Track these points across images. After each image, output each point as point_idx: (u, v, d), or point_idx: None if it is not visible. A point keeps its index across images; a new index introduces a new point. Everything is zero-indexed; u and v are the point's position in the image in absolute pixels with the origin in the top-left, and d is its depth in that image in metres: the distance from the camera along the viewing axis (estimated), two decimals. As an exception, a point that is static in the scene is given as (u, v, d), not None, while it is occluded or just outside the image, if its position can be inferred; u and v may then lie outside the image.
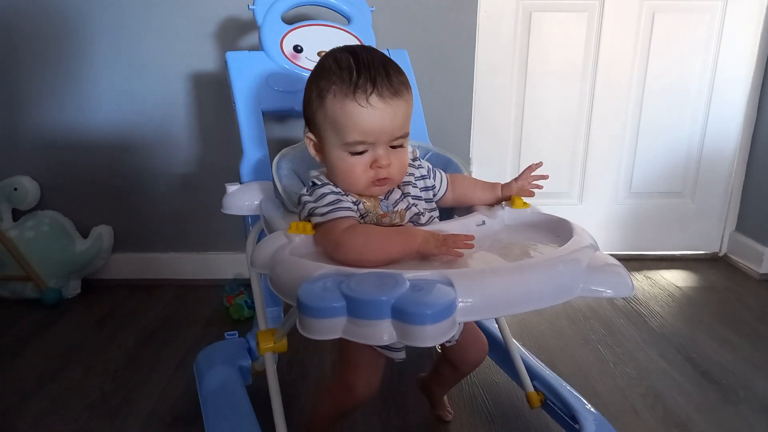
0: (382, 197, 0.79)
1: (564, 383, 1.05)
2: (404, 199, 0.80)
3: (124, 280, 1.75)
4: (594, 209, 1.89)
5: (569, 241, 0.69)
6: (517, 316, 1.48)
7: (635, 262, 1.90)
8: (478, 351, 0.94)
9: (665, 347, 1.36)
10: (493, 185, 0.88)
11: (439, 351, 0.98)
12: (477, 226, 0.79)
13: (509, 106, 1.78)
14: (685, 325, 1.48)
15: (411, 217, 0.79)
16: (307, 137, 0.80)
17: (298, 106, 0.82)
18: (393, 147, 0.76)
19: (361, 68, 0.72)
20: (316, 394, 1.17)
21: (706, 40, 1.75)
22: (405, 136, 0.76)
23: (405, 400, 1.15)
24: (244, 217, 1.09)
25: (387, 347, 0.82)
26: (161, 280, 1.74)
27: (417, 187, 0.83)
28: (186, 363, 1.28)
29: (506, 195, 0.86)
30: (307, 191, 0.78)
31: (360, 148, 0.74)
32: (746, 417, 1.11)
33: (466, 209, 0.88)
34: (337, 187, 0.77)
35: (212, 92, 1.62)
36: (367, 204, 0.77)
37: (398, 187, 0.81)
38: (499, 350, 1.14)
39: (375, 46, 1.23)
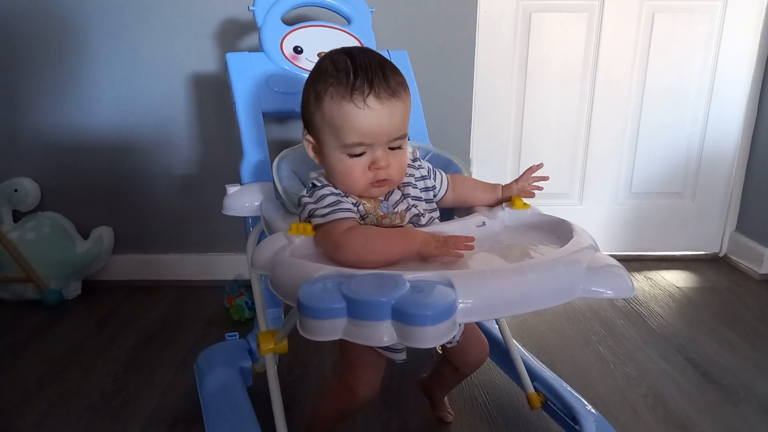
0: (382, 198, 0.79)
1: (564, 384, 1.06)
2: (404, 200, 0.80)
3: (125, 282, 1.75)
4: (594, 210, 1.89)
5: (569, 242, 0.69)
6: (517, 316, 1.48)
7: (635, 263, 1.90)
8: (479, 352, 0.94)
9: (666, 348, 1.36)
10: (494, 186, 0.88)
11: (440, 352, 0.98)
12: (477, 227, 0.79)
13: (509, 107, 1.78)
14: (685, 326, 1.48)
15: (411, 218, 0.79)
16: (306, 140, 0.80)
17: (299, 107, 0.82)
18: (392, 148, 0.76)
19: (358, 70, 0.72)
20: (316, 396, 1.17)
21: (706, 40, 1.75)
22: (403, 137, 0.76)
23: (405, 401, 1.15)
24: (244, 219, 1.09)
25: (388, 348, 0.82)
26: (162, 281, 1.74)
27: (417, 187, 0.83)
28: (187, 364, 1.28)
29: (507, 196, 0.86)
30: (307, 192, 0.78)
31: (358, 150, 0.74)
32: (747, 417, 1.10)
33: (466, 210, 0.88)
34: (337, 188, 0.77)
35: (212, 93, 1.62)
36: (367, 205, 0.77)
37: (398, 188, 0.81)
38: (500, 351, 1.14)
39: (375, 47, 1.24)
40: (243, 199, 1.00)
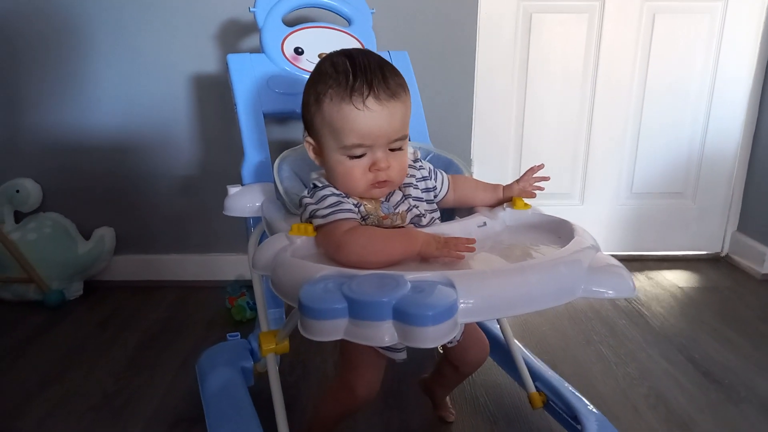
0: (383, 199, 0.79)
1: (566, 384, 1.06)
2: (405, 201, 0.80)
3: (126, 282, 1.75)
4: (595, 210, 1.89)
5: (570, 242, 0.69)
6: (518, 316, 1.48)
7: (637, 263, 1.90)
8: (480, 352, 0.94)
9: (667, 348, 1.36)
10: (495, 186, 0.88)
11: (441, 352, 0.98)
12: (478, 227, 0.79)
13: (510, 107, 1.78)
14: (686, 326, 1.48)
15: (412, 219, 0.79)
16: (306, 141, 0.80)
17: (299, 108, 0.82)
18: (392, 149, 0.76)
19: (357, 71, 0.72)
20: (317, 396, 1.17)
21: (707, 41, 1.75)
22: (403, 138, 0.76)
23: (407, 401, 1.15)
24: (245, 219, 1.09)
25: (388, 348, 0.82)
26: (163, 282, 1.75)
27: (418, 188, 0.83)
28: (188, 364, 1.28)
29: (508, 196, 0.86)
30: (308, 193, 0.78)
31: (358, 152, 0.74)
32: (748, 417, 1.10)
33: (467, 210, 0.88)
34: (337, 189, 0.77)
35: (213, 94, 1.62)
36: (368, 206, 0.78)
37: (399, 188, 0.81)
38: (501, 351, 1.14)
39: (376, 48, 1.25)
40: (244, 200, 1.00)
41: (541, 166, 0.85)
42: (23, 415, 1.12)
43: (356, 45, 1.25)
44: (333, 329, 0.55)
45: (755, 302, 1.62)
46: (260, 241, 0.84)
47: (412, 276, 0.58)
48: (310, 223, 0.75)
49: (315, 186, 0.78)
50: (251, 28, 1.56)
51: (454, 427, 1.08)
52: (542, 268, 0.63)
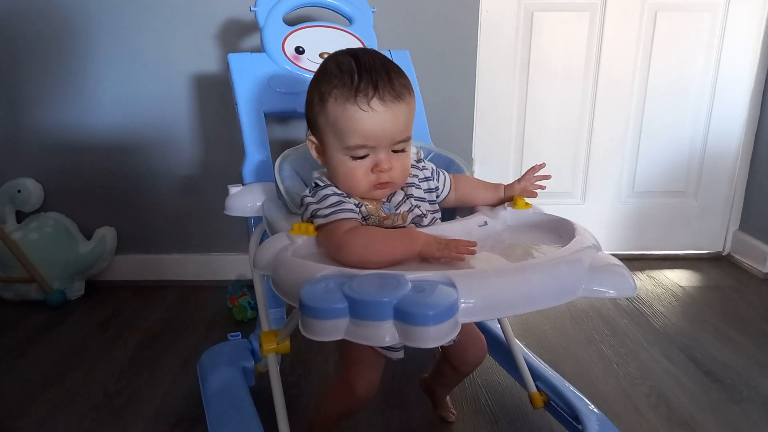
0: (384, 200, 0.79)
1: (567, 383, 1.05)
2: (407, 201, 0.80)
3: (128, 282, 1.75)
4: (597, 209, 1.89)
5: (571, 242, 0.69)
6: (519, 316, 1.48)
7: (638, 262, 1.89)
8: (478, 351, 0.93)
9: (668, 347, 1.36)
10: (496, 186, 0.88)
11: (440, 351, 0.98)
12: (479, 226, 0.79)
13: (511, 106, 1.78)
14: (688, 325, 1.47)
15: (413, 219, 0.79)
16: (309, 140, 0.80)
17: (300, 108, 0.82)
18: (395, 151, 0.76)
19: (362, 72, 0.72)
20: (318, 395, 1.17)
21: (709, 39, 1.75)
22: (407, 140, 0.76)
23: (408, 401, 1.15)
24: (246, 219, 1.09)
25: (386, 347, 0.82)
26: (164, 282, 1.75)
27: (420, 188, 0.83)
28: (189, 364, 1.29)
29: (509, 196, 0.86)
30: (309, 193, 0.78)
31: (361, 152, 0.74)
32: (750, 416, 1.10)
33: (468, 210, 0.88)
34: (339, 189, 0.77)
35: (214, 94, 1.62)
36: (369, 206, 0.77)
37: (401, 188, 0.81)
38: (502, 351, 1.14)
39: (376, 47, 1.24)
40: (245, 200, 1.00)
41: (542, 166, 0.85)
42: (24, 414, 1.13)
43: (357, 44, 1.25)
44: (334, 329, 0.55)
45: (757, 301, 1.61)
46: (261, 241, 0.83)
47: (412, 276, 0.57)
48: (311, 222, 0.75)
49: (316, 185, 0.78)
50: (252, 27, 1.56)
51: (455, 426, 1.08)
52: (543, 268, 0.62)
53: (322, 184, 0.78)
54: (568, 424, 1.01)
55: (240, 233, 1.62)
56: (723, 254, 1.95)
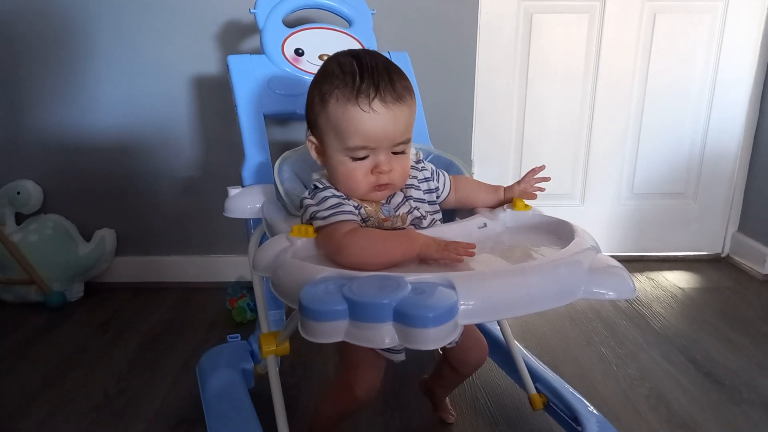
0: (383, 201, 0.79)
1: (566, 385, 1.05)
2: (406, 203, 0.80)
3: (127, 283, 1.75)
4: (596, 210, 1.89)
5: (571, 243, 0.69)
6: (519, 318, 1.48)
7: (638, 263, 1.89)
8: (479, 353, 0.93)
9: (668, 348, 1.36)
10: (496, 188, 0.88)
11: (440, 353, 0.98)
12: (479, 228, 0.79)
13: (511, 108, 1.78)
14: (687, 326, 1.47)
15: (413, 221, 0.79)
16: (309, 141, 0.80)
17: (300, 110, 0.82)
18: (395, 153, 0.76)
19: (364, 73, 0.72)
20: (318, 397, 1.17)
21: (708, 40, 1.75)
22: (407, 141, 0.76)
23: (407, 403, 1.15)
24: (246, 220, 1.09)
25: (387, 349, 0.82)
26: (164, 283, 1.75)
27: (420, 189, 0.83)
28: (189, 366, 1.29)
29: (509, 197, 0.86)
30: (309, 194, 0.78)
31: (361, 154, 0.74)
32: (750, 417, 1.10)
33: (468, 211, 0.88)
34: (338, 190, 0.77)
35: (214, 95, 1.63)
36: (368, 208, 0.78)
37: (401, 190, 0.81)
38: (502, 352, 1.14)
39: (376, 49, 1.24)
40: (245, 201, 1.00)
41: (542, 168, 0.85)
42: (24, 416, 1.13)
43: (357, 46, 1.25)
44: (333, 331, 0.55)
45: (756, 302, 1.61)
46: (261, 243, 0.84)
47: (412, 277, 0.57)
48: (311, 224, 0.75)
49: (316, 187, 0.78)
50: (252, 29, 1.56)
51: (455, 428, 1.08)
52: (543, 270, 0.62)
53: (321, 186, 0.78)
54: (567, 426, 1.01)
55: (239, 235, 1.62)
56: (722, 256, 1.95)
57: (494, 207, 0.87)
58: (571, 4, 1.70)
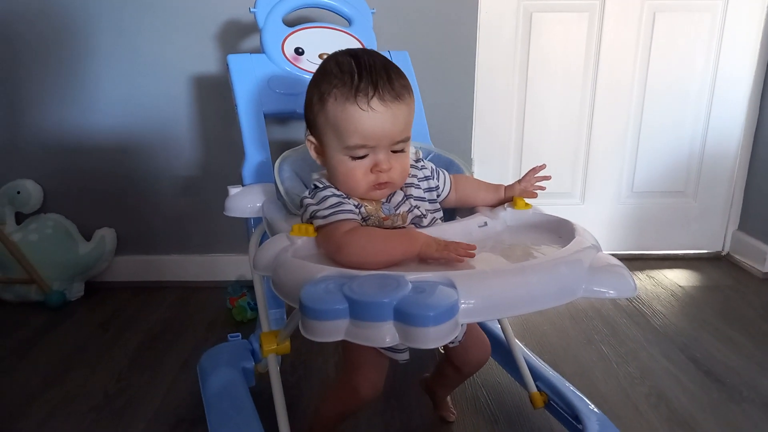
0: (383, 200, 0.79)
1: (567, 383, 1.05)
2: (407, 201, 0.80)
3: (128, 283, 1.75)
4: (596, 209, 1.89)
5: (571, 242, 0.69)
6: (519, 316, 1.48)
7: (638, 262, 1.89)
8: (481, 352, 0.94)
9: (668, 347, 1.36)
10: (497, 186, 0.88)
11: (442, 352, 0.98)
12: (479, 227, 0.79)
13: (510, 107, 1.78)
14: (688, 325, 1.47)
15: (413, 219, 0.79)
16: (308, 140, 0.80)
17: (300, 109, 0.82)
18: (394, 151, 0.76)
19: (362, 72, 0.72)
20: (319, 396, 1.17)
21: (708, 39, 1.75)
22: (406, 140, 0.76)
23: (408, 401, 1.15)
24: (246, 220, 1.09)
25: (390, 349, 0.82)
26: (164, 282, 1.75)
27: (420, 188, 0.83)
28: (189, 365, 1.29)
29: (509, 196, 0.86)
30: (309, 194, 0.78)
31: (361, 152, 0.74)
32: (750, 416, 1.10)
33: (468, 210, 0.88)
34: (338, 189, 0.77)
35: (214, 95, 1.63)
36: (368, 207, 0.78)
37: (401, 189, 0.81)
38: (502, 351, 1.14)
39: (376, 48, 1.24)
40: (245, 201, 1.00)
41: (542, 167, 0.85)
42: (25, 416, 1.13)
43: (357, 45, 1.25)
44: (334, 330, 0.55)
45: (756, 301, 1.61)
46: (261, 242, 0.84)
47: (413, 276, 0.58)
48: (311, 223, 0.75)
49: (316, 186, 0.78)
50: (251, 28, 1.56)
51: (455, 426, 1.08)
52: (543, 268, 0.63)
53: (321, 185, 0.78)
54: (568, 424, 1.01)
55: (240, 234, 1.62)
56: (722, 254, 1.95)
57: (495, 206, 0.87)
58: (570, 3, 1.70)
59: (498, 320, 1.16)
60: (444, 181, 0.87)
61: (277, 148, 1.06)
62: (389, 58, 0.77)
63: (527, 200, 0.84)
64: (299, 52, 1.21)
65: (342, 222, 0.72)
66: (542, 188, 0.86)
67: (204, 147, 1.68)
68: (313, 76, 0.78)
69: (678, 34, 1.74)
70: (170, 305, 1.63)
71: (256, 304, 1.37)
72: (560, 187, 1.86)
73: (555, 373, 1.10)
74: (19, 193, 1.63)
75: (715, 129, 1.83)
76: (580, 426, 0.95)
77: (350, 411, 0.92)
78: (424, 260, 0.68)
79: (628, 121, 1.81)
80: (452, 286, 0.56)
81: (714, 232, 1.93)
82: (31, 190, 1.64)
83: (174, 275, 1.75)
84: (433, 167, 0.87)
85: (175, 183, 1.70)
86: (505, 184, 0.88)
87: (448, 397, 1.11)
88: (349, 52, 0.76)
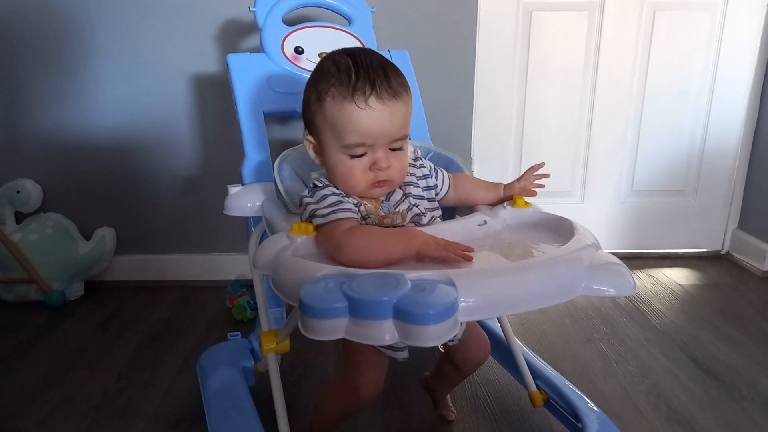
0: (383, 198, 0.79)
1: (567, 382, 1.06)
2: (406, 200, 0.80)
3: (127, 282, 1.75)
4: (596, 208, 1.89)
5: (571, 240, 0.69)
6: (519, 314, 1.48)
7: (638, 261, 1.90)
8: (481, 351, 0.94)
9: (668, 345, 1.36)
10: (496, 185, 0.88)
11: (442, 350, 0.98)
12: (479, 225, 0.79)
13: (510, 106, 1.78)
14: (687, 323, 1.48)
15: (412, 218, 0.80)
16: (307, 140, 0.81)
17: (300, 108, 0.82)
18: (393, 149, 0.76)
19: (359, 70, 0.72)
20: (319, 395, 1.17)
21: (707, 38, 1.75)
22: (404, 137, 0.76)
23: (408, 400, 1.15)
24: (246, 219, 1.09)
25: (390, 347, 0.83)
26: (164, 282, 1.75)
27: (419, 186, 0.83)
28: (189, 364, 1.29)
29: (508, 195, 0.86)
30: (308, 193, 0.78)
31: (359, 151, 0.74)
32: (750, 414, 1.10)
33: (468, 209, 0.89)
34: (337, 188, 0.77)
35: (214, 94, 1.63)
36: (368, 206, 0.78)
37: (400, 187, 0.81)
38: (502, 349, 1.14)
39: (376, 47, 1.25)
40: (244, 200, 1.00)
41: (541, 165, 0.85)
42: (25, 416, 1.13)
43: (356, 44, 1.25)
44: (333, 328, 0.55)
45: (756, 299, 1.62)
46: (261, 241, 0.84)
47: (412, 275, 0.57)
48: (311, 222, 0.75)
49: (315, 185, 0.78)
50: (251, 27, 1.56)
51: (455, 425, 1.08)
52: (543, 267, 0.63)
53: (320, 184, 0.78)
54: (567, 423, 1.01)
55: (239, 233, 1.62)
56: (722, 253, 1.95)
57: (494, 204, 0.87)
58: (570, 2, 1.70)
59: (498, 319, 1.16)
60: (442, 180, 0.87)
61: (277, 147, 1.06)
62: (389, 57, 0.78)
63: (527, 199, 0.84)
64: (299, 51, 1.21)
65: (341, 221, 0.72)
66: (541, 186, 0.86)
67: (204, 146, 1.68)
68: (311, 76, 0.78)
69: (678, 33, 1.74)
70: (170, 305, 1.63)
71: (255, 303, 1.37)
72: (560, 185, 1.86)
73: (554, 371, 1.10)
74: (18, 192, 1.63)
75: (714, 128, 1.83)
76: (579, 424, 0.95)
77: (350, 410, 0.92)
78: (422, 259, 0.68)
79: (628, 119, 1.81)
80: (452, 284, 0.56)
81: (714, 230, 1.93)
82: (31, 190, 1.64)
83: (174, 275, 1.75)
84: (432, 166, 0.87)
85: (174, 183, 1.70)
86: (504, 183, 0.88)
87: (448, 396, 1.11)
88: (347, 51, 0.76)
